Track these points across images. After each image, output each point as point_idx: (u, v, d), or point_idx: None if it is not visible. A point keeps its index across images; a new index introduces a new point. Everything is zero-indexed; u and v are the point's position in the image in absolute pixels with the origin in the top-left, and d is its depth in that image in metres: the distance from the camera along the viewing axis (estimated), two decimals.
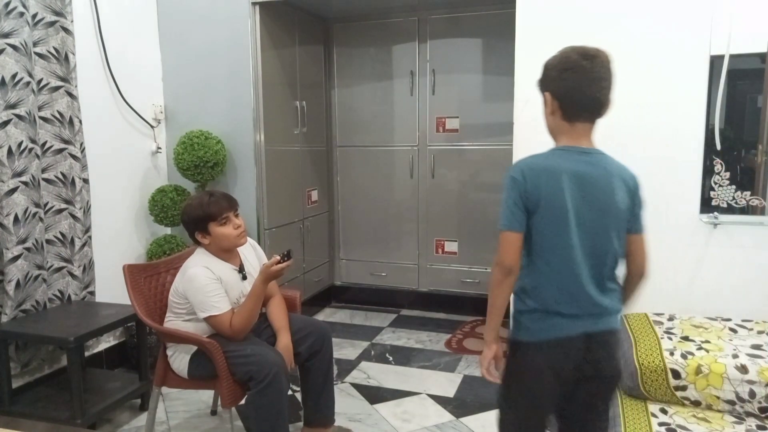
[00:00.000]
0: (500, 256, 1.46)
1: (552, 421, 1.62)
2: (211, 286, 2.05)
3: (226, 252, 2.19)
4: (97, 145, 2.93)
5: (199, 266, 2.09)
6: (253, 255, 2.34)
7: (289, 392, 2.86)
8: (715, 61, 2.49)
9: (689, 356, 2.11)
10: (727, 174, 2.53)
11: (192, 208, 2.14)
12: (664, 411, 2.06)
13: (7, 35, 2.38)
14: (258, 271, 2.25)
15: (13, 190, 2.42)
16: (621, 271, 1.57)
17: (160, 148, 3.44)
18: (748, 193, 2.52)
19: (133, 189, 3.28)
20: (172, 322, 2.17)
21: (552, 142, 1.58)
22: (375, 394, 2.85)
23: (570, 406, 1.55)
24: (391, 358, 3.34)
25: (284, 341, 2.20)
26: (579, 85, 1.46)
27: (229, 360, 2.04)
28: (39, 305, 2.58)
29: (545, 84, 1.52)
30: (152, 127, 3.40)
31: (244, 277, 2.22)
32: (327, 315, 4.17)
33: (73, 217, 2.73)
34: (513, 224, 1.45)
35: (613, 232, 1.48)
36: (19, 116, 2.43)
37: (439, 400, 2.78)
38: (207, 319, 2.07)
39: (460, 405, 2.73)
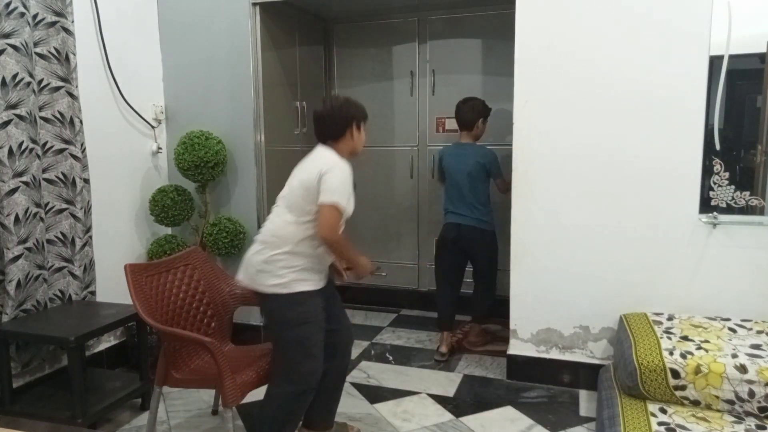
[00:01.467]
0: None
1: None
2: (348, 183, 2.06)
3: (350, 159, 2.18)
4: (98, 145, 2.94)
5: (346, 166, 2.08)
6: None
7: None
8: (715, 62, 2.50)
9: (689, 356, 2.11)
10: (727, 174, 2.54)
11: (353, 106, 2.20)
12: (663, 410, 2.06)
13: (7, 35, 2.38)
14: None
15: (13, 190, 2.43)
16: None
17: (160, 148, 3.44)
18: (748, 193, 2.52)
19: (133, 189, 3.29)
20: (286, 218, 2.09)
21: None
22: (375, 394, 2.86)
23: (465, 254, 3.36)
24: (391, 358, 3.34)
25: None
26: (458, 114, 3.33)
27: (295, 341, 2.04)
28: (40, 305, 2.59)
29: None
30: (153, 127, 3.41)
31: (354, 186, 2.17)
32: None
33: (74, 217, 2.73)
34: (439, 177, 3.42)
35: (474, 180, 3.23)
36: (19, 116, 2.43)
37: (438, 399, 2.79)
38: (326, 205, 1.98)
39: (459, 404, 2.73)
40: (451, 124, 4.01)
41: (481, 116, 3.28)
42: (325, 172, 2.01)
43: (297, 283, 2.05)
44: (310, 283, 2.09)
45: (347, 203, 2.04)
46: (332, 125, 2.15)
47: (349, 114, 2.17)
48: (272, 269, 2.05)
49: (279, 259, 2.05)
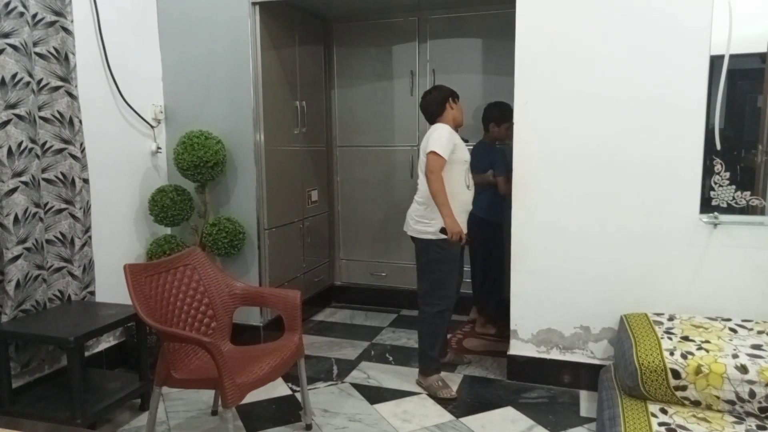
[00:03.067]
0: None
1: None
2: (447, 138, 2.69)
3: (456, 127, 2.88)
4: (97, 145, 2.93)
5: (447, 126, 2.76)
6: None
7: (290, 392, 2.87)
8: (715, 61, 2.49)
9: (689, 356, 2.11)
10: (727, 174, 2.53)
11: (443, 89, 2.91)
12: (664, 411, 2.06)
13: (7, 35, 2.38)
14: None
15: (13, 190, 2.42)
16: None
17: (160, 148, 3.44)
18: (748, 193, 2.52)
19: (133, 189, 3.28)
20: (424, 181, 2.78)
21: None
22: (375, 394, 2.85)
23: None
24: (391, 358, 3.33)
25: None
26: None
27: (447, 267, 2.80)
28: (39, 305, 2.58)
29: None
30: (152, 127, 3.40)
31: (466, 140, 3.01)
32: (327, 315, 4.17)
33: (73, 217, 2.73)
34: None
35: (478, 173, 3.24)
36: (19, 116, 2.43)
37: (439, 400, 2.78)
38: (428, 153, 2.67)
39: (460, 405, 2.73)
40: None
41: (491, 120, 3.52)
42: (429, 134, 2.76)
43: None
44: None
45: (446, 151, 2.66)
46: (434, 107, 2.87)
47: (441, 95, 2.87)
48: (426, 220, 2.81)
49: (429, 212, 2.79)
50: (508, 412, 2.66)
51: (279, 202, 3.61)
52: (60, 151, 2.65)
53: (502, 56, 3.70)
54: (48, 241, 2.63)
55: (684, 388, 2.07)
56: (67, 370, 2.37)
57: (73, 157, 2.70)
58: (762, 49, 2.46)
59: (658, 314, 2.57)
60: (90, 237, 2.83)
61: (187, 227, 3.43)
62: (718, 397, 2.04)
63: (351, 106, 4.25)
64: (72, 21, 2.69)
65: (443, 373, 2.96)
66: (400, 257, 4.23)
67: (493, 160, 3.47)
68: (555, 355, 2.90)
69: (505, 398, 2.79)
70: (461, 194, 2.81)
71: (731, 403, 2.03)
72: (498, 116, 3.49)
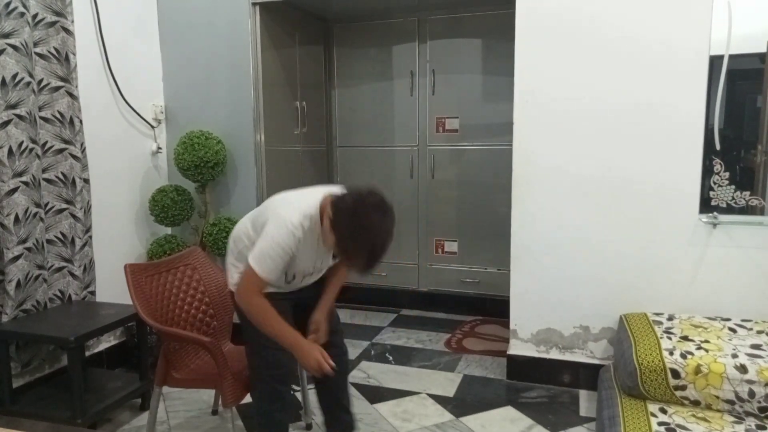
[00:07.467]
0: None
1: None
2: (282, 249, 1.81)
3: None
4: (98, 145, 2.94)
5: (299, 219, 1.82)
6: None
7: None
8: (715, 61, 2.50)
9: (689, 356, 2.11)
10: (727, 174, 2.54)
11: (363, 230, 1.71)
12: (663, 411, 2.06)
13: (7, 35, 2.38)
14: None
15: (13, 190, 2.43)
16: None
17: (160, 148, 3.44)
18: (748, 193, 2.52)
19: (133, 189, 3.29)
20: (230, 261, 2.07)
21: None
22: (375, 394, 2.85)
23: None
24: (391, 358, 3.34)
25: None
26: None
27: (260, 349, 1.97)
28: (39, 305, 2.59)
29: None
30: (153, 127, 3.41)
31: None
32: None
33: (74, 217, 2.73)
34: None
35: None
36: (19, 116, 2.43)
37: (438, 399, 2.78)
38: (249, 263, 1.83)
39: (459, 404, 2.73)
40: (452, 124, 4.03)
41: None
42: (268, 222, 1.87)
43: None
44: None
45: (272, 274, 1.85)
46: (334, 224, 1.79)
47: (344, 227, 1.76)
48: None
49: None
50: (508, 412, 2.66)
51: None
52: (60, 151, 2.66)
53: (502, 56, 3.70)
54: (48, 241, 2.64)
55: (683, 387, 2.08)
56: (67, 369, 2.38)
57: (74, 157, 2.70)
58: (761, 50, 2.46)
59: (657, 314, 2.58)
60: (90, 237, 2.83)
61: (188, 227, 3.43)
62: (717, 397, 2.04)
63: (351, 106, 4.25)
64: (72, 21, 2.69)
65: None
66: (399, 257, 4.23)
67: None
68: (554, 354, 2.91)
69: (504, 398, 2.80)
70: None
71: (731, 402, 2.03)
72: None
